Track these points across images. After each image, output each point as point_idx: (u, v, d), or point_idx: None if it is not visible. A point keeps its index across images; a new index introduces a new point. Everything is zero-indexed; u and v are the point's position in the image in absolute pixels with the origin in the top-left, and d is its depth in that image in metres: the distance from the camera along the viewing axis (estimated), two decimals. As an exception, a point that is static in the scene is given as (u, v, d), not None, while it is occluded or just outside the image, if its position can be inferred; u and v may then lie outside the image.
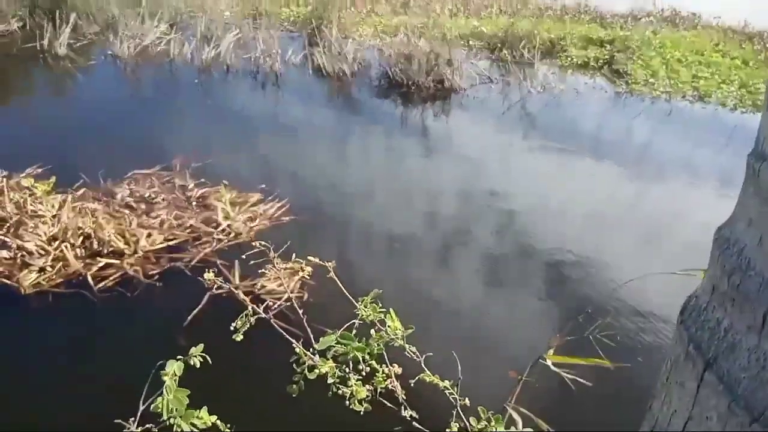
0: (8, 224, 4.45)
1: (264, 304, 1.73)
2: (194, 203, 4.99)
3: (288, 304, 3.75)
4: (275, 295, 3.94)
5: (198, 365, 1.33)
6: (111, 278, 4.03)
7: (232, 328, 1.48)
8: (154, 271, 4.14)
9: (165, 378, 1.22)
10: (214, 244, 4.48)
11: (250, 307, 1.45)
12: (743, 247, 1.23)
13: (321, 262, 1.95)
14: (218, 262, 4.27)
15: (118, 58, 8.69)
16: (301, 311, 1.76)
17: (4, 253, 4.15)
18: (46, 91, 7.97)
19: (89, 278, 4.00)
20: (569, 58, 10.41)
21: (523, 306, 4.23)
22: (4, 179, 5.00)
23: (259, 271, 4.10)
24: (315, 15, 10.03)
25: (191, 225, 4.65)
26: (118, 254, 4.24)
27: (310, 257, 2.09)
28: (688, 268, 1.59)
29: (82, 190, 4.98)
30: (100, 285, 3.96)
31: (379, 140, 7.09)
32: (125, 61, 8.66)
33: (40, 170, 5.22)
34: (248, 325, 1.48)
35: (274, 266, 4.12)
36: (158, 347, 3.55)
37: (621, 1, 13.38)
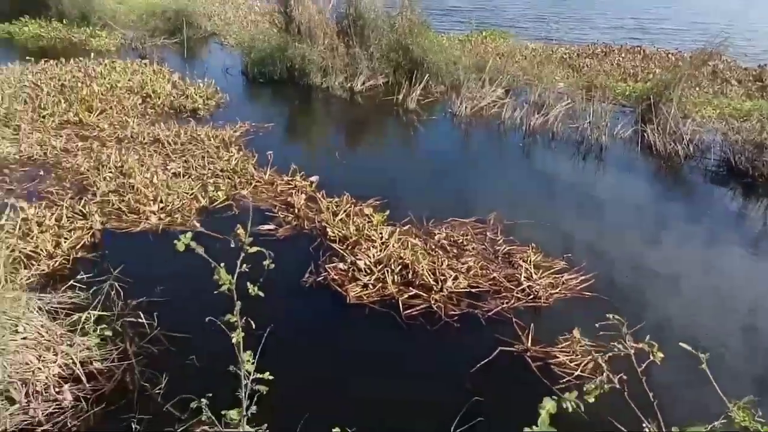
0: (349, 242, 5.32)
1: (618, 376, 1.70)
2: (500, 258, 5.20)
3: (578, 382, 3.61)
4: (566, 368, 3.82)
5: (570, 409, 1.39)
6: (417, 308, 4.47)
7: (584, 390, 1.50)
8: (454, 312, 4.43)
9: (541, 411, 1.31)
10: (512, 301, 4.59)
11: (605, 375, 1.46)
12: None
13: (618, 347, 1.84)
14: (513, 319, 4.35)
15: (456, 116, 9.70)
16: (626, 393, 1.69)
17: (341, 265, 4.96)
18: (393, 138, 9.33)
19: (399, 303, 4.50)
20: None
21: None
22: (352, 205, 6.02)
23: (555, 340, 4.06)
24: (654, 91, 9.56)
25: (494, 277, 4.86)
26: (427, 288, 4.67)
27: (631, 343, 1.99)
28: None
29: (407, 226, 5.66)
30: (408, 312, 4.42)
31: (706, 231, 6.31)
32: (461, 119, 9.62)
33: (378, 203, 6.11)
34: (600, 391, 1.49)
35: (572, 339, 3.98)
36: (446, 385, 3.77)
37: None
